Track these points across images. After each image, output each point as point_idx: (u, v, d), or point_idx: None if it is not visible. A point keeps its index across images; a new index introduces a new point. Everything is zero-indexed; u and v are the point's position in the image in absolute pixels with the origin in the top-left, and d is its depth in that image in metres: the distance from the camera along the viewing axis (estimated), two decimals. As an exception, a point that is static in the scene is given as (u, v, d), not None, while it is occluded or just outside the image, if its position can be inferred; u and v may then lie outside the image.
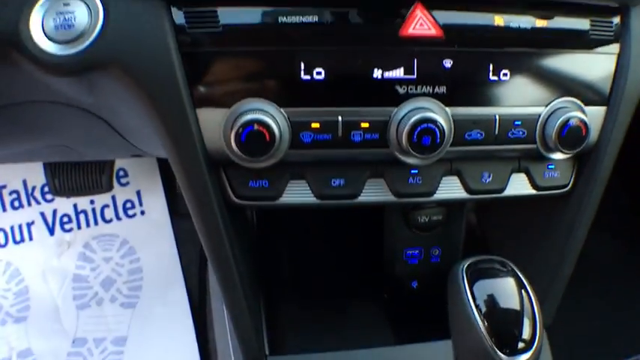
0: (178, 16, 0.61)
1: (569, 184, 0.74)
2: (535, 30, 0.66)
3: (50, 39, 0.58)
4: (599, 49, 0.69)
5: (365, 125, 0.64)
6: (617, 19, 0.69)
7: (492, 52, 0.65)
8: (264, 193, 0.67)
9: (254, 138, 0.61)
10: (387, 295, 0.93)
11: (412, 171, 0.68)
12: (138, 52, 0.60)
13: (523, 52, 0.66)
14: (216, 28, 0.61)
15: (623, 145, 0.72)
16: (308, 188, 0.68)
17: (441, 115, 0.63)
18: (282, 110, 0.63)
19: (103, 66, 0.60)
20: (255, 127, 0.60)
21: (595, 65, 0.69)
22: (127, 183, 1.38)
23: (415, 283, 0.89)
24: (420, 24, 0.63)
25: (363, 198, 0.69)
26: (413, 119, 0.62)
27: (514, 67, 0.66)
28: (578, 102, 0.69)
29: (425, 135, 0.62)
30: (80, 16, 0.58)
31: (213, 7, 0.61)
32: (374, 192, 0.69)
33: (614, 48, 0.69)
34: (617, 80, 0.70)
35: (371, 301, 0.91)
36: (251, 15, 0.62)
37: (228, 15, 0.61)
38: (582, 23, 0.68)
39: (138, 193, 1.39)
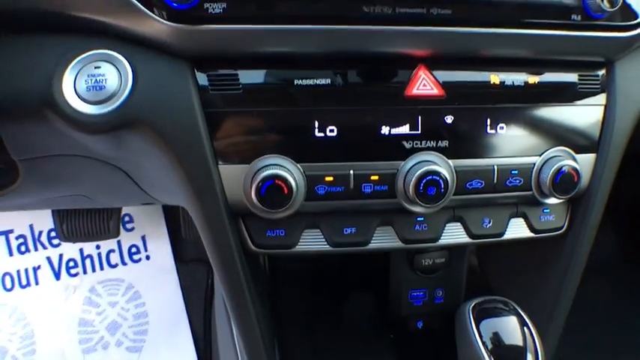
0: (202, 79, 0.66)
1: (563, 226, 0.79)
2: (527, 86, 0.72)
3: (82, 99, 0.63)
4: (588, 101, 0.75)
5: (375, 178, 0.69)
6: (602, 72, 0.75)
7: (489, 107, 0.71)
8: (281, 242, 0.72)
9: (273, 191, 0.65)
10: (393, 336, 0.96)
11: (418, 219, 0.73)
12: (165, 112, 0.65)
13: (517, 106, 0.72)
14: (237, 90, 0.66)
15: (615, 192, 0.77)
16: (322, 236, 0.72)
17: (444, 167, 0.69)
18: (298, 165, 0.68)
19: (132, 125, 0.65)
20: (275, 181, 0.65)
21: (584, 116, 0.75)
22: (133, 228, 1.41)
23: (420, 323, 0.93)
24: (424, 84, 0.69)
25: (373, 245, 0.73)
26: (419, 172, 0.67)
27: (509, 120, 0.72)
28: (570, 151, 0.74)
29: (430, 186, 0.68)
30: (111, 78, 0.63)
31: (234, 70, 0.67)
32: (383, 239, 0.73)
33: (602, 99, 0.76)
34: (604, 129, 0.76)
35: (379, 341, 0.95)
36: (269, 78, 0.67)
37: (247, 77, 0.67)
38: (571, 77, 0.74)
39: (143, 238, 1.42)
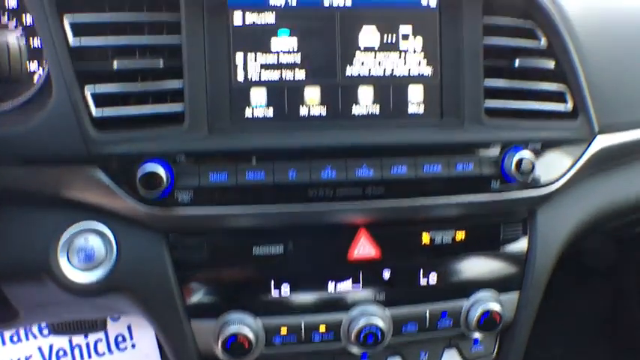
0: (174, 247, 0.77)
1: (493, 352, 0.90)
2: (455, 241, 0.84)
3: (75, 267, 0.75)
4: (511, 247, 0.87)
5: (322, 328, 0.80)
6: (524, 219, 0.87)
7: (421, 262, 0.83)
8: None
9: (237, 346, 0.77)
10: None
11: (363, 357, 0.84)
12: (144, 279, 0.77)
13: (447, 259, 0.84)
14: (203, 257, 0.78)
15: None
16: (280, 377, 0.83)
17: (381, 316, 0.80)
18: (257, 319, 0.79)
19: (117, 290, 0.76)
20: (237, 338, 0.76)
21: (508, 259, 0.87)
22: (119, 318, 1.51)
23: None
24: (363, 248, 0.80)
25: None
26: (358, 326, 0.79)
27: (440, 270, 0.83)
28: (495, 292, 0.86)
29: (369, 334, 0.79)
30: (98, 248, 0.75)
31: (202, 240, 0.78)
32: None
33: (524, 242, 0.87)
34: (527, 269, 0.87)
35: None
36: (231, 246, 0.79)
37: (213, 246, 0.78)
38: (495, 229, 0.86)
39: (129, 327, 1.52)
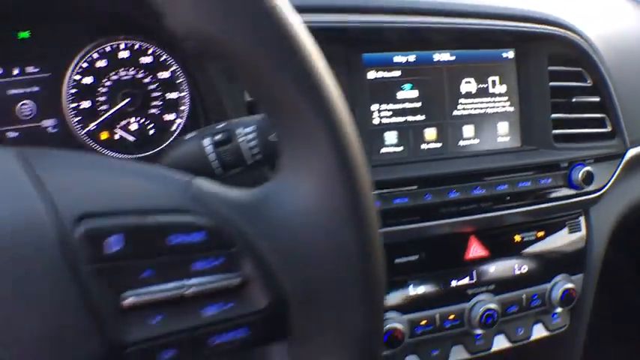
0: None
1: (566, 325, 1.15)
2: (537, 238, 1.08)
3: None
4: (574, 239, 1.12)
5: (451, 317, 1.02)
6: (582, 218, 1.13)
7: (516, 257, 1.06)
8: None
9: (393, 338, 0.96)
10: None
11: (477, 337, 1.06)
12: None
13: (534, 253, 1.08)
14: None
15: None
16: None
17: (493, 303, 1.02)
18: (404, 316, 0.99)
19: None
20: (394, 332, 0.96)
21: (574, 249, 1.12)
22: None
23: None
24: (475, 249, 1.03)
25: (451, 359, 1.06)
26: (480, 310, 1.01)
27: (529, 262, 1.07)
28: (568, 275, 1.10)
29: (488, 317, 1.01)
30: None
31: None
32: (455, 353, 1.06)
33: (583, 235, 1.13)
34: (587, 255, 1.13)
35: None
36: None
37: None
38: (563, 228, 1.11)
39: None
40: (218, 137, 0.66)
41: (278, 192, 0.46)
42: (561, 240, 1.11)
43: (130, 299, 0.39)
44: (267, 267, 0.44)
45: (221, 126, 0.66)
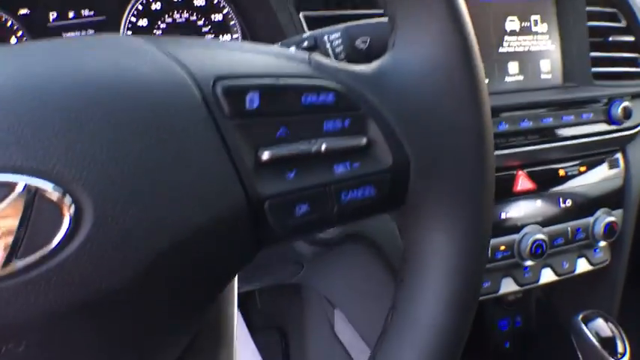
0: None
1: (608, 260, 1.18)
2: (580, 173, 1.11)
3: None
4: (614, 174, 1.15)
5: (502, 247, 1.05)
6: (619, 155, 1.16)
7: (560, 190, 1.09)
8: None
9: None
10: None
11: (525, 269, 1.09)
12: None
13: (578, 187, 1.11)
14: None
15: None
16: (470, 290, 1.06)
17: (542, 234, 1.06)
18: None
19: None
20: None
21: (613, 184, 1.16)
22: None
23: (507, 343, 1.29)
24: (523, 182, 1.06)
25: (501, 291, 1.08)
26: (529, 241, 1.04)
27: (573, 196, 1.10)
28: (609, 209, 1.14)
29: (537, 247, 1.04)
30: None
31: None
32: (506, 285, 1.09)
33: (621, 171, 1.16)
34: (626, 190, 1.16)
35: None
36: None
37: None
38: (603, 163, 1.15)
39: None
40: (304, 45, 0.68)
41: (397, 62, 0.48)
42: (601, 175, 1.14)
43: (266, 154, 0.41)
44: (390, 130, 0.46)
45: (306, 34, 0.68)
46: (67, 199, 0.34)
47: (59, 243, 0.34)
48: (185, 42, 0.46)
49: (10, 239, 0.33)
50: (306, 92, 0.43)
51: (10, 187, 0.33)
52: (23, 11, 0.92)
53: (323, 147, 0.43)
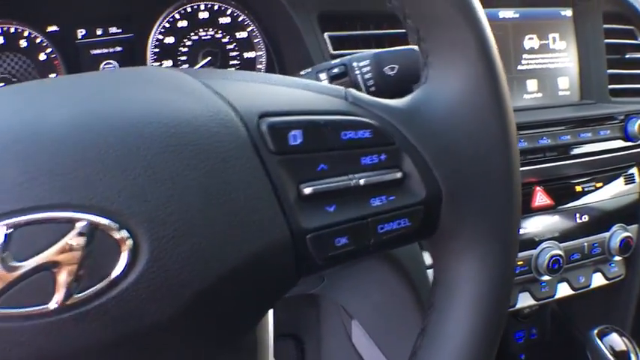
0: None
1: (623, 274, 1.19)
2: (596, 189, 1.12)
3: None
4: (629, 190, 1.17)
5: (520, 262, 1.06)
6: (635, 170, 1.17)
7: (577, 206, 1.11)
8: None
9: None
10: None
11: (542, 284, 1.11)
12: None
13: (594, 204, 1.12)
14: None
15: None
16: (487, 305, 1.08)
17: (559, 249, 1.07)
18: None
19: None
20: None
21: (629, 200, 1.17)
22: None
23: (522, 355, 1.30)
24: (541, 198, 1.07)
25: (518, 305, 1.09)
26: (546, 256, 1.05)
27: (590, 212, 1.11)
28: (624, 225, 1.15)
29: (554, 263, 1.05)
30: None
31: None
32: (522, 299, 1.10)
33: (637, 187, 1.17)
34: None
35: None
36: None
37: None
38: (619, 179, 1.16)
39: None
40: (335, 71, 0.70)
41: (430, 98, 0.50)
42: (617, 191, 1.15)
43: (308, 189, 0.43)
44: (424, 164, 0.47)
45: (336, 61, 0.70)
46: (125, 234, 0.36)
47: (118, 276, 0.36)
48: (228, 76, 0.48)
49: (71, 272, 0.35)
50: (345, 129, 0.45)
51: (72, 223, 0.35)
52: (52, 28, 0.94)
53: (362, 182, 0.45)
